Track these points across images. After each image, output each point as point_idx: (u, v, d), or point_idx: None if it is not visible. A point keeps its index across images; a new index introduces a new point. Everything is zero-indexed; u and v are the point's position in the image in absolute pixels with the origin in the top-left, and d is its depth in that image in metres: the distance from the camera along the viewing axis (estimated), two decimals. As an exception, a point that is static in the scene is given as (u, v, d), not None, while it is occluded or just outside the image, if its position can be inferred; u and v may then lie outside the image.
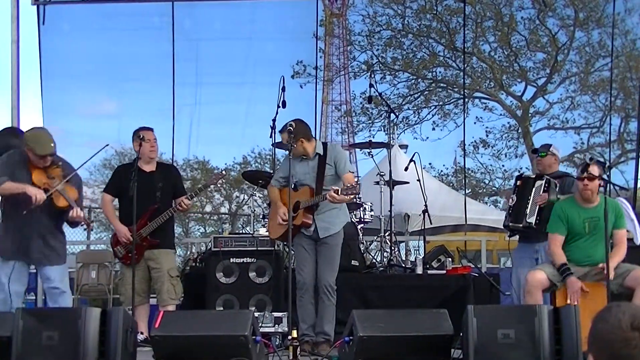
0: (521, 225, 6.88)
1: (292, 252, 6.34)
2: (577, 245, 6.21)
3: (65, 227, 6.43)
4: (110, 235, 7.53)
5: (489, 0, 17.90)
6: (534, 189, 6.89)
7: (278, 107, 7.91)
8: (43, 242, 6.17)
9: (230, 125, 14.15)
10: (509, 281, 7.62)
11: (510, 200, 7.06)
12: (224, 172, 7.82)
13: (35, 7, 10.88)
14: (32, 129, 6.42)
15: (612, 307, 1.91)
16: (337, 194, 5.93)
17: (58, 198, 6.06)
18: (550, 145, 7.34)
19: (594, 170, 6.14)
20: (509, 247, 7.87)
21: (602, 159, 13.02)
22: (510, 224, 7.00)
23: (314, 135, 6.65)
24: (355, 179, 6.48)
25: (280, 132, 6.53)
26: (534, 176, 7.11)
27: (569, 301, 5.93)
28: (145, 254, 6.94)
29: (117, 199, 7.21)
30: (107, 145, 6.90)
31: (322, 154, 6.37)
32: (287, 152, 6.43)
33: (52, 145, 6.16)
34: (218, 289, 7.24)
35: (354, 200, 7.90)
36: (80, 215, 6.09)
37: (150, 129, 7.16)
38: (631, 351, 1.81)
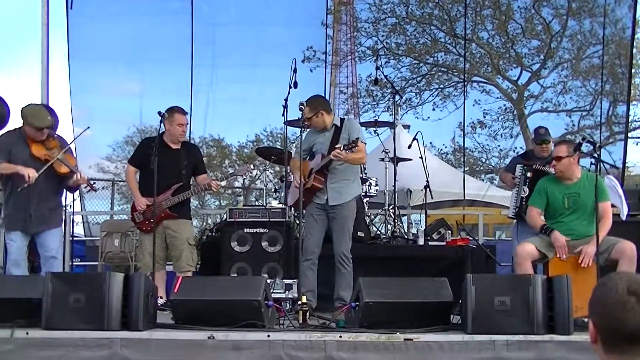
0: None
1: (302, 224, 6.34)
2: (560, 221, 6.12)
3: (90, 199, 6.53)
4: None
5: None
6: None
7: (290, 87, 7.82)
8: (42, 210, 6.24)
9: (244, 105, 14.13)
10: (504, 253, 7.60)
11: (522, 191, 6.87)
12: (252, 166, 7.85)
13: (63, -7, 10.89)
14: (28, 105, 6.40)
15: (612, 274, 1.89)
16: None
17: (60, 166, 6.19)
18: (547, 129, 7.19)
19: (559, 151, 6.05)
20: (504, 222, 7.82)
21: (591, 140, 12.94)
22: (523, 214, 6.71)
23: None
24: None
25: (304, 104, 6.35)
26: (551, 171, 6.49)
27: (558, 256, 5.87)
28: (164, 222, 6.92)
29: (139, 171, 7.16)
30: (88, 127, 7.20)
31: (338, 125, 6.41)
32: (300, 128, 6.46)
33: (49, 118, 6.23)
34: (233, 257, 7.25)
35: (362, 174, 7.89)
36: (84, 178, 6.25)
37: (185, 113, 7.06)
38: (626, 314, 1.79)
